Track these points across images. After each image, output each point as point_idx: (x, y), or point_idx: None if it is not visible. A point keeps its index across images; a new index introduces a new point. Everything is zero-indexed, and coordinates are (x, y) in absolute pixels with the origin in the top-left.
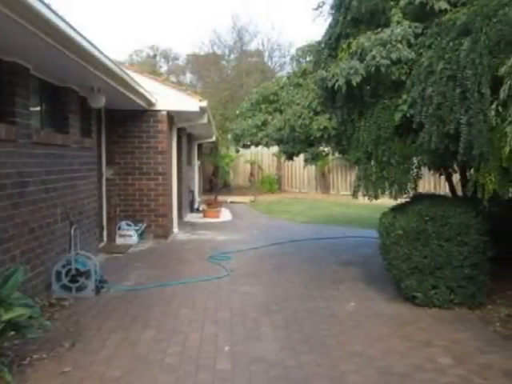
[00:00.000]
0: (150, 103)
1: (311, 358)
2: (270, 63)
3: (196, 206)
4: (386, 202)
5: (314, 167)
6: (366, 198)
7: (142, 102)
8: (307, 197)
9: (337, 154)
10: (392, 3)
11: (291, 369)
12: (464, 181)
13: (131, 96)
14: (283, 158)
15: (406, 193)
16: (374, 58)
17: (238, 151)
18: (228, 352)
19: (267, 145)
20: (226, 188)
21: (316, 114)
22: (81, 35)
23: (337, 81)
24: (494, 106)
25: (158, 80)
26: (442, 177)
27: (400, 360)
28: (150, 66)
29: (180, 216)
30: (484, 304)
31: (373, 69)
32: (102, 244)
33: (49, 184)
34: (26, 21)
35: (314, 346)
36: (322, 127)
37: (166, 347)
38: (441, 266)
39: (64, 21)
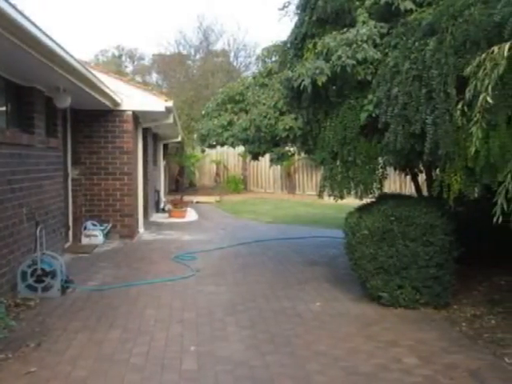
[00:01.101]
0: (115, 103)
1: (276, 357)
2: (235, 63)
3: (162, 206)
4: (352, 201)
5: (279, 167)
6: (332, 198)
7: (107, 102)
8: (273, 197)
9: (302, 154)
10: (357, 3)
11: (257, 369)
12: (430, 181)
13: (97, 96)
14: (249, 158)
15: (371, 193)
16: (339, 57)
17: (203, 151)
18: (194, 352)
19: (233, 145)
20: (192, 188)
21: (282, 114)
22: (46, 35)
23: (302, 81)
24: (459, 106)
25: (123, 80)
26: (408, 177)
27: (366, 360)
28: (115, 66)
29: (146, 216)
30: (450, 304)
31: (338, 69)
32: (67, 244)
33: (14, 184)
34: None
35: (279, 345)
36: (287, 127)
37: (132, 347)
38: (406, 266)
39: (29, 21)
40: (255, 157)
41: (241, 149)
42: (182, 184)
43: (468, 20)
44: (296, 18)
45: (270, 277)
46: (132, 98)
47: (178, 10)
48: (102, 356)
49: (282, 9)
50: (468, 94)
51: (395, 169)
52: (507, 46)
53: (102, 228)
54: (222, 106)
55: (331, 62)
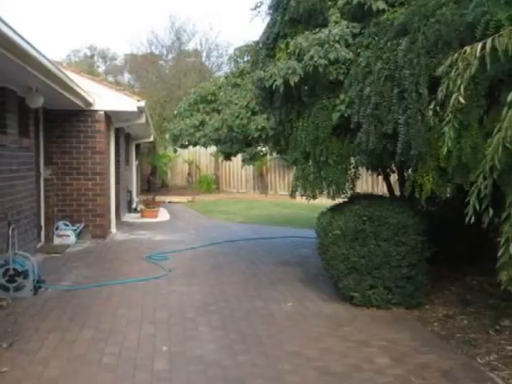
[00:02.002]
0: (87, 103)
1: (249, 357)
2: (207, 63)
3: (134, 206)
4: (324, 201)
5: (251, 167)
6: (304, 198)
7: (79, 102)
8: (245, 197)
9: (275, 154)
10: (330, 3)
11: (229, 369)
12: (402, 181)
13: (69, 96)
14: (221, 158)
15: (343, 193)
16: (311, 57)
17: (175, 151)
18: (166, 352)
19: (205, 145)
20: (164, 188)
21: (254, 114)
22: (19, 35)
23: (274, 81)
24: (431, 106)
25: (95, 80)
26: (380, 177)
27: (338, 360)
28: (87, 66)
29: (118, 216)
30: (422, 304)
31: (311, 69)
32: (39, 244)
33: None
34: None
35: (251, 345)
36: (259, 127)
37: (104, 347)
38: (378, 266)
39: (2, 20)
40: (227, 157)
41: (213, 149)
42: (154, 184)
43: (440, 20)
44: (268, 18)
45: (242, 277)
46: (104, 98)
47: (150, 10)
48: (75, 356)
49: (254, 9)
50: (440, 94)
51: (367, 169)
52: (479, 45)
53: (75, 228)
54: (195, 106)
55: (303, 62)
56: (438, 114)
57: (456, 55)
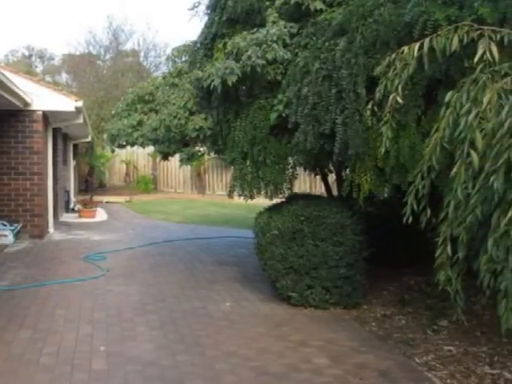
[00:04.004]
0: (25, 103)
1: (186, 357)
2: (145, 63)
3: (72, 206)
4: (262, 201)
5: (189, 167)
6: (242, 198)
7: (17, 102)
8: (183, 197)
9: (212, 154)
10: (267, 3)
11: (166, 368)
12: (340, 181)
13: (7, 96)
14: (159, 158)
15: (281, 193)
16: (249, 57)
17: (113, 151)
18: (103, 352)
19: (143, 145)
20: (102, 188)
21: (192, 114)
22: None
23: (212, 81)
24: (369, 106)
25: (33, 80)
26: (318, 177)
27: (276, 360)
28: (25, 66)
29: (56, 216)
30: (360, 304)
31: (248, 69)
32: None
33: None
34: None
35: (189, 345)
36: (197, 127)
37: (42, 347)
38: (316, 266)
39: None
40: (165, 157)
41: (151, 149)
42: (91, 184)
43: (378, 20)
44: (206, 18)
45: (180, 277)
46: (42, 98)
47: (87, 9)
48: (12, 356)
49: (192, 9)
50: (378, 94)
51: (305, 169)
52: (417, 45)
53: (12, 228)
54: (132, 105)
55: (241, 62)
56: (376, 114)
57: (394, 55)
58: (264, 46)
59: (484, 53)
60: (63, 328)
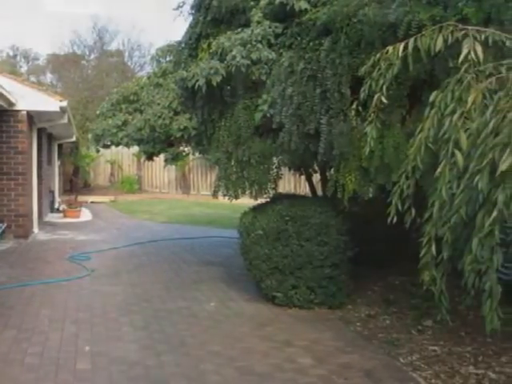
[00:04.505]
0: (10, 103)
1: (171, 357)
2: (130, 63)
3: (56, 206)
4: (247, 201)
5: (174, 167)
6: (227, 198)
7: (2, 102)
8: (168, 197)
9: (197, 154)
10: (252, 3)
11: (151, 369)
12: (324, 181)
13: None
14: (143, 158)
15: (266, 193)
16: (234, 57)
17: (98, 151)
18: (88, 352)
19: (127, 145)
20: (87, 188)
21: (176, 114)
22: None
23: (197, 81)
24: (354, 106)
25: (17, 80)
26: (303, 177)
27: (260, 360)
28: (10, 66)
29: (40, 216)
30: (344, 304)
31: (233, 69)
32: None
33: None
34: None
35: (174, 346)
36: (182, 127)
37: (27, 347)
38: (301, 266)
39: None
40: (150, 157)
41: (135, 149)
42: (76, 184)
43: (363, 20)
44: (191, 18)
45: (165, 277)
46: (27, 98)
47: (72, 9)
48: None
49: (177, 9)
50: (362, 94)
51: (290, 169)
52: (402, 46)
53: None
54: (117, 106)
55: (226, 62)
56: (361, 114)
57: (378, 55)
58: (249, 45)
59: (468, 53)
60: (48, 328)
